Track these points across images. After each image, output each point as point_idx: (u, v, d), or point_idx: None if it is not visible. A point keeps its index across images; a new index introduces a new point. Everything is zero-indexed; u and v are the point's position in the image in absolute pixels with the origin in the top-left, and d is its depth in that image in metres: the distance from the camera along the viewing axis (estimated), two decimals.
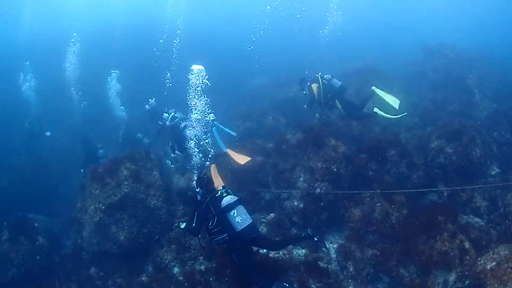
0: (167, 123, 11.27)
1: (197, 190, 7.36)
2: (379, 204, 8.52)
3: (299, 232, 7.34)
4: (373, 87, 10.45)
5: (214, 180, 8.11)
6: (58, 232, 11.14)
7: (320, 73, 10.48)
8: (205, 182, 7.36)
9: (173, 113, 11.34)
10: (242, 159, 9.93)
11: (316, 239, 6.85)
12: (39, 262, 9.82)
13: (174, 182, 10.64)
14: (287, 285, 6.36)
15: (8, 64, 20.57)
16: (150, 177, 9.77)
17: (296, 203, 9.07)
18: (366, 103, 10.57)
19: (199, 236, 7.10)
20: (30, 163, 14.36)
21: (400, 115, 9.82)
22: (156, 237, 9.24)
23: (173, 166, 11.33)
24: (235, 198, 6.89)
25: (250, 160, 9.87)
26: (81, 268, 9.61)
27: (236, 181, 10.13)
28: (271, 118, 13.56)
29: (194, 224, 6.93)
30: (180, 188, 10.29)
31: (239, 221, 6.60)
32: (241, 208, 6.79)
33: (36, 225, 10.62)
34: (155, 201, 9.44)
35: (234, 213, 6.66)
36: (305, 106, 10.90)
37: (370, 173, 9.44)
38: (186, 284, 7.71)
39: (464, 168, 9.55)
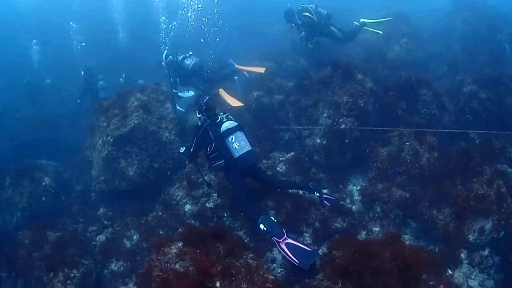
0: (163, 62, 10.93)
1: (198, 116, 7.11)
2: (408, 143, 7.80)
3: (304, 184, 7.05)
4: (361, 19, 11.08)
5: (227, 100, 8.73)
6: (68, 177, 10.53)
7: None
8: (205, 107, 7.03)
9: (166, 51, 11.07)
10: (233, 102, 9.46)
11: (317, 194, 6.89)
12: (45, 204, 9.18)
13: (188, 121, 10.00)
14: (275, 220, 6.06)
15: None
16: (162, 109, 9.14)
17: (318, 141, 8.41)
18: (356, 34, 11.01)
19: (198, 161, 7.20)
20: (37, 115, 13.82)
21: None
22: (168, 173, 8.73)
23: (183, 110, 10.79)
24: (235, 124, 6.73)
25: (242, 105, 9.44)
26: (89, 209, 9.14)
27: (254, 119, 9.58)
28: (291, 59, 12.77)
29: (192, 149, 6.79)
30: (194, 123, 9.62)
31: (237, 147, 6.48)
32: (240, 134, 6.63)
33: (43, 168, 10.06)
34: (167, 134, 8.87)
35: (232, 138, 6.53)
36: (301, 34, 10.38)
37: (399, 112, 8.73)
38: (196, 221, 7.18)
39: (497, 115, 8.86)
